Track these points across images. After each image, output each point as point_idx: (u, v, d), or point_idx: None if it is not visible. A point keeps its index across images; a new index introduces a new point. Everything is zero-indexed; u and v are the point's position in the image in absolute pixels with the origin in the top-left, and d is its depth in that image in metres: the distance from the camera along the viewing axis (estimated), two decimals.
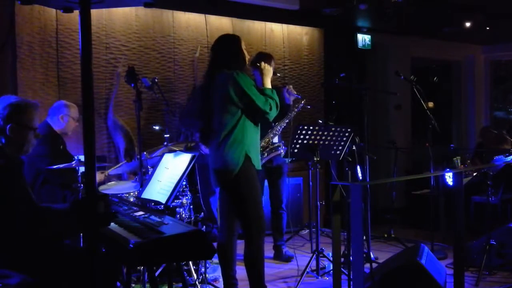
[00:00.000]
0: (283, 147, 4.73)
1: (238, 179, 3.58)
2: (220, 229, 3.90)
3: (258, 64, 3.89)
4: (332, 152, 4.36)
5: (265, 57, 4.99)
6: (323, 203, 5.45)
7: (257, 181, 3.67)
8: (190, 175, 4.48)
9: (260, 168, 3.76)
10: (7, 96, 2.78)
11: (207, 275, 4.19)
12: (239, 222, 3.77)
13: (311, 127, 4.25)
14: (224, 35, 3.87)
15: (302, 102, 4.84)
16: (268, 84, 3.78)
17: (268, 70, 3.83)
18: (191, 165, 3.70)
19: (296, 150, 4.28)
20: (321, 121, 5.84)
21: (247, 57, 3.79)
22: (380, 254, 5.26)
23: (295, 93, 4.88)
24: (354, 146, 4.46)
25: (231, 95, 3.55)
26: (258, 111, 3.59)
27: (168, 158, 3.91)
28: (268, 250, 5.03)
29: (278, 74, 4.28)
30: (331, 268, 4.05)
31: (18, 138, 2.70)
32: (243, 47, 3.75)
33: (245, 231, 3.69)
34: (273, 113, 3.64)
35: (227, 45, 3.73)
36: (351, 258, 3.49)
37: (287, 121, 4.72)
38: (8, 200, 2.50)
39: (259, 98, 3.58)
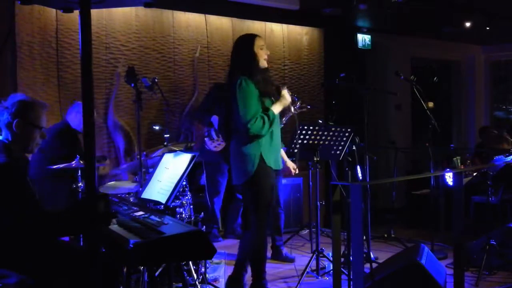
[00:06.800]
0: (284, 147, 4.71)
1: (253, 179, 3.72)
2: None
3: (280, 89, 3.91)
4: (332, 152, 4.35)
5: None
6: (323, 203, 5.43)
7: (270, 181, 3.78)
8: (190, 175, 4.47)
9: (279, 167, 3.88)
10: (18, 94, 2.81)
11: (207, 275, 4.19)
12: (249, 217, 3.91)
13: (311, 127, 4.25)
14: (240, 37, 3.94)
15: (298, 103, 4.82)
16: (275, 109, 3.79)
17: (285, 98, 3.86)
18: (191, 165, 3.70)
19: (296, 150, 4.28)
20: (321, 121, 5.83)
21: (261, 57, 3.78)
22: (380, 254, 5.25)
23: (290, 94, 4.87)
24: (354, 146, 4.45)
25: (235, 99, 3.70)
26: (238, 118, 3.65)
27: (168, 158, 3.90)
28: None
29: (292, 107, 4.22)
30: (331, 268, 4.05)
31: (24, 135, 2.71)
32: (258, 46, 3.77)
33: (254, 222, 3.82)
34: (255, 129, 3.63)
35: (238, 49, 3.83)
36: (351, 258, 3.49)
37: (281, 125, 4.70)
38: (8, 199, 2.49)
39: (247, 107, 3.63)
